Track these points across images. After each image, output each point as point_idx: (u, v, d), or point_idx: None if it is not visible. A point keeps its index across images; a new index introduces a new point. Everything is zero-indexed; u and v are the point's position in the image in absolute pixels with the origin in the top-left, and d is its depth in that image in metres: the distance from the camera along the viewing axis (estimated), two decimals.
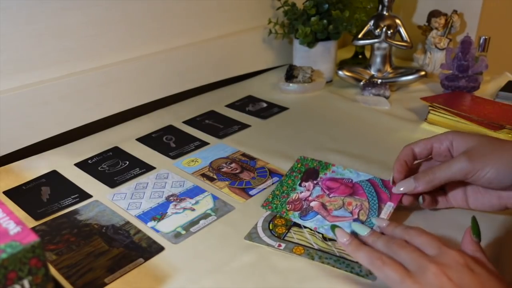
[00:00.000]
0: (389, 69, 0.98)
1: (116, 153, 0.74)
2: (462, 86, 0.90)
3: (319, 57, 0.99)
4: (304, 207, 0.58)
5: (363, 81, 0.96)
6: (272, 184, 0.64)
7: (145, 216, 0.58)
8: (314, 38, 0.97)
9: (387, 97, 0.92)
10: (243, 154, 0.73)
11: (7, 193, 0.64)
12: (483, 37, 0.93)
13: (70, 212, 0.59)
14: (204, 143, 0.77)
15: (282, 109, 0.89)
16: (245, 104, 0.92)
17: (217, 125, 0.83)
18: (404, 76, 0.96)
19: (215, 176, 0.67)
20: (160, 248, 0.53)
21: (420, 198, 0.56)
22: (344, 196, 0.58)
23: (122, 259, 0.51)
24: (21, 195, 0.63)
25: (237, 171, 0.68)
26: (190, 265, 0.50)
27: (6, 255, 0.35)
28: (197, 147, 0.76)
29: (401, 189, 0.54)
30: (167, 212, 0.59)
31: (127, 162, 0.71)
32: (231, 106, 0.91)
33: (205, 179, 0.66)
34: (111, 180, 0.67)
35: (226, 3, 0.95)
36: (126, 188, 0.65)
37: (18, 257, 0.35)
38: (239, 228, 0.56)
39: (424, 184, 0.52)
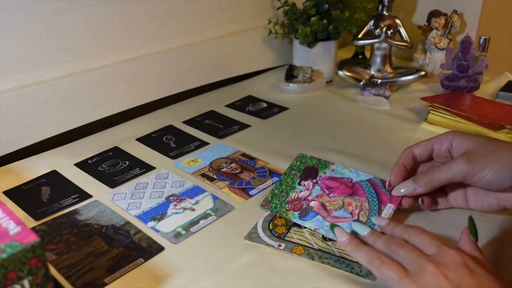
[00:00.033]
0: (389, 69, 0.98)
1: (116, 153, 0.74)
2: (462, 86, 0.90)
3: (319, 57, 0.99)
4: (304, 207, 0.58)
5: (363, 81, 0.96)
6: (272, 184, 0.64)
7: (145, 216, 0.58)
8: (314, 38, 0.97)
9: (387, 97, 0.92)
10: (243, 154, 0.73)
11: (7, 193, 0.64)
12: (483, 37, 0.93)
13: (70, 212, 0.59)
14: (204, 143, 0.77)
15: (282, 109, 0.89)
16: (245, 104, 0.92)
17: (217, 125, 0.83)
18: (404, 76, 0.96)
19: (215, 176, 0.67)
20: (160, 248, 0.53)
21: (419, 200, 0.56)
22: (344, 196, 0.58)
23: (122, 259, 0.51)
24: (21, 195, 0.63)
25: (237, 171, 0.68)
26: (190, 265, 0.50)
27: (6, 255, 0.35)
28: (197, 147, 0.76)
29: (402, 191, 0.54)
30: (167, 212, 0.59)
31: (127, 162, 0.71)
32: (231, 106, 0.91)
33: (205, 179, 0.66)
34: (111, 180, 0.67)
35: (225, 3, 0.95)
36: (126, 188, 0.65)
37: (18, 257, 0.35)
38: (239, 228, 0.56)
39: (423, 186, 0.52)
